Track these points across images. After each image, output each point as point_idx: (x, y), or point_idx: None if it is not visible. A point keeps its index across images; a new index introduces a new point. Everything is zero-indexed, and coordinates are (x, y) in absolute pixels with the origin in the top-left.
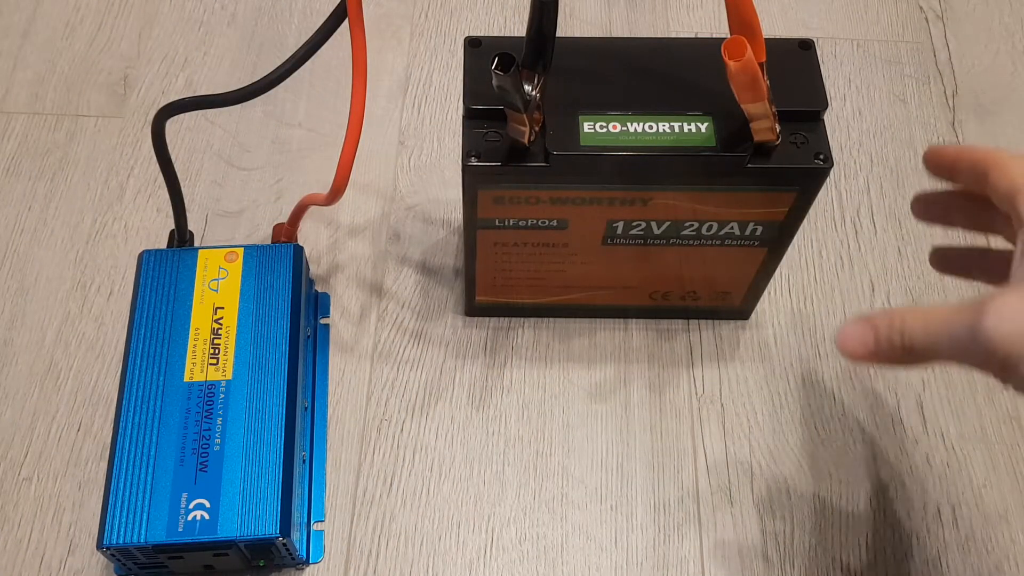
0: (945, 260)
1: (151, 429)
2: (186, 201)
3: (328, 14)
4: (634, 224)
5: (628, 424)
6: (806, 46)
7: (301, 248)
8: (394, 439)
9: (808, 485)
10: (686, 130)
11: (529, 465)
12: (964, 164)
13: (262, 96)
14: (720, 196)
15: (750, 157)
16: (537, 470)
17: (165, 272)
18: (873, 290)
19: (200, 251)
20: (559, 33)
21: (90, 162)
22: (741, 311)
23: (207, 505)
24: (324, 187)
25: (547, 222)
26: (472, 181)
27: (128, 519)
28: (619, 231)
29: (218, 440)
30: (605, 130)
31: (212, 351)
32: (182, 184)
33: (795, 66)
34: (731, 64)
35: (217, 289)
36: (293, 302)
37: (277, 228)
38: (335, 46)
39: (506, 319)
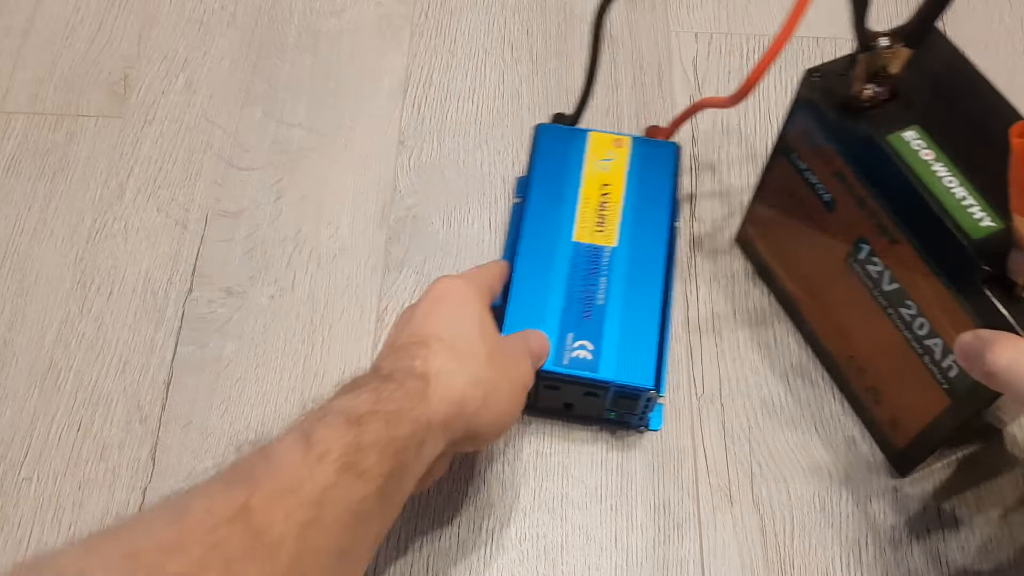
0: None
1: (543, 274)
2: (185, 200)
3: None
4: (874, 260)
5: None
6: None
7: (680, 147)
8: None
9: (808, 485)
10: (972, 210)
11: (529, 464)
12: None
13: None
14: (945, 296)
15: (990, 279)
16: (537, 470)
17: (558, 145)
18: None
19: (590, 133)
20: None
21: (90, 162)
22: (900, 459)
23: (590, 347)
24: (325, 187)
25: (822, 191)
26: (799, 93)
27: None
28: (862, 256)
29: (601, 296)
30: (919, 149)
31: (599, 220)
32: (181, 183)
33: None
34: (1015, 142)
35: (605, 168)
36: (672, 191)
37: (651, 129)
38: (335, 45)
39: None
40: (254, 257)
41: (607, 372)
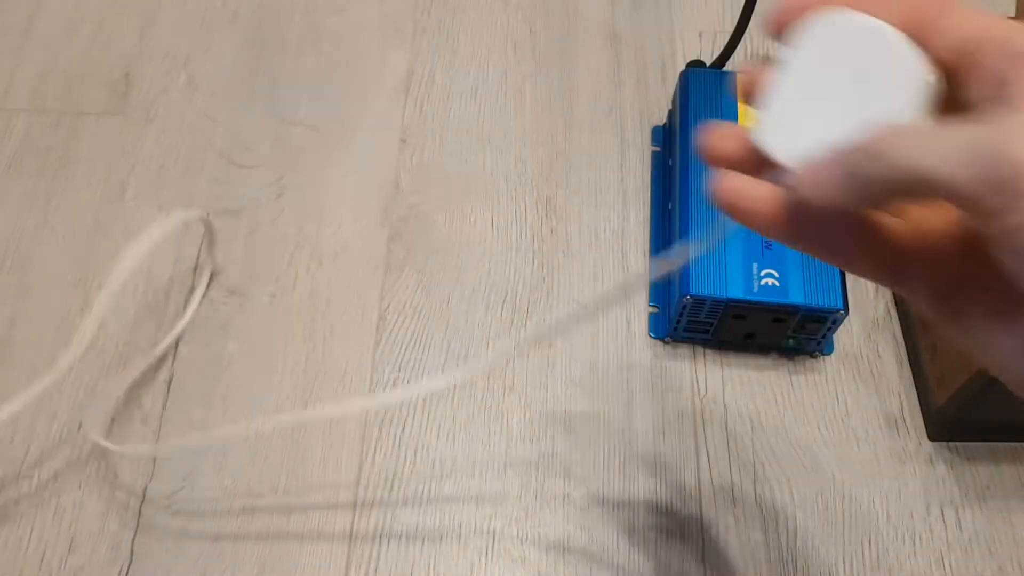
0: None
1: (716, 211)
2: (186, 199)
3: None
4: None
5: (630, 424)
6: None
7: None
8: (395, 438)
9: (811, 486)
10: None
11: (531, 465)
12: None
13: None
14: None
15: None
16: (539, 470)
17: (708, 88)
18: (877, 290)
19: (737, 73)
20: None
21: (91, 160)
22: (936, 419)
23: (776, 275)
24: (327, 185)
25: None
26: None
27: (709, 277)
28: None
29: None
30: None
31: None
32: (182, 181)
33: None
34: None
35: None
36: None
37: None
38: (337, 43)
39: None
40: (255, 256)
41: (796, 296)
